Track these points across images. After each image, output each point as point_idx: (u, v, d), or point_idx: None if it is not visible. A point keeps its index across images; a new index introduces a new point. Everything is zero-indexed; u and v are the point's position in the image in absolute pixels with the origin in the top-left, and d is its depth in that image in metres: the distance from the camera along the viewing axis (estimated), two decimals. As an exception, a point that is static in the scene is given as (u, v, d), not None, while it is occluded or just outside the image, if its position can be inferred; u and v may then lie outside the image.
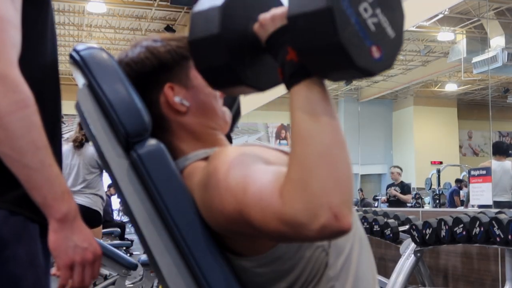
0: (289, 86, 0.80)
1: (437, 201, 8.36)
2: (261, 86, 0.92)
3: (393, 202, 7.08)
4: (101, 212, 4.13)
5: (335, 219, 0.70)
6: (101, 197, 4.11)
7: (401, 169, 7.53)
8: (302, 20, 0.75)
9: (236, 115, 1.32)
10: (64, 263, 0.95)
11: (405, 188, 7.16)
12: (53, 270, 1.10)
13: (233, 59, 0.86)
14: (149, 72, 1.07)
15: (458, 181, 8.92)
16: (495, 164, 4.88)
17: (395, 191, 7.10)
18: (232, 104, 1.28)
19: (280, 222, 0.74)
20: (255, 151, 0.94)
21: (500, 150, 5.13)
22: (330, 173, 0.73)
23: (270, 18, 0.84)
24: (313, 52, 0.76)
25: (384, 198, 7.63)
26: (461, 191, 8.44)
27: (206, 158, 1.00)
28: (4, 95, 0.88)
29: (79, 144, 3.99)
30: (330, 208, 0.70)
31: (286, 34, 0.81)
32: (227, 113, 1.13)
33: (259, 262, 0.94)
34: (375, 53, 0.76)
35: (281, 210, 0.74)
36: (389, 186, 7.44)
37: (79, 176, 3.98)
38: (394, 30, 0.80)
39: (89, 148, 3.98)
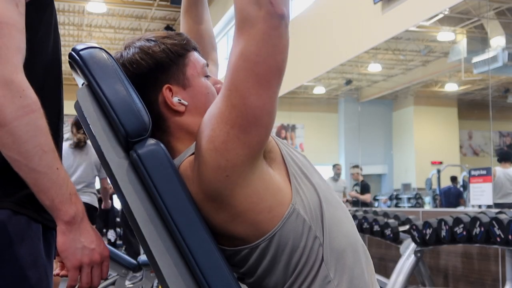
0: None
1: (437, 201, 8.33)
2: None
3: (355, 202, 7.25)
4: (98, 209, 4.25)
5: (271, 5, 0.90)
6: (97, 196, 4.22)
7: (360, 169, 7.72)
8: None
9: None
10: (72, 264, 0.95)
11: (364, 187, 7.24)
12: (57, 270, 1.10)
13: None
14: (146, 73, 1.07)
15: (453, 179, 8.74)
16: (500, 171, 5.28)
17: (354, 193, 7.24)
18: None
19: (237, 39, 0.92)
20: None
21: (506, 157, 5.57)
22: None
23: None
24: None
25: (349, 198, 7.79)
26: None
27: None
28: (11, 101, 0.88)
29: (84, 144, 4.05)
30: None
31: None
32: None
33: (259, 249, 0.96)
34: None
35: (235, 28, 0.93)
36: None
37: (83, 176, 4.03)
38: None
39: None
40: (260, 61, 0.90)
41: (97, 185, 4.49)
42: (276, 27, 0.90)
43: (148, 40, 1.10)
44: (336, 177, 7.65)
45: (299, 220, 0.96)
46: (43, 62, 1.05)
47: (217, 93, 1.12)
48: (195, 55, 1.12)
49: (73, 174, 3.99)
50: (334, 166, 7.75)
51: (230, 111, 0.91)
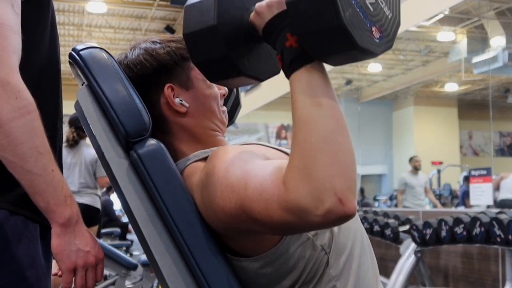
0: (289, 73, 0.79)
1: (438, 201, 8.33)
2: (259, 75, 0.91)
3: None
4: (100, 211, 4.19)
5: (340, 204, 0.70)
6: (99, 196, 4.17)
7: None
8: (303, 4, 0.75)
9: (236, 106, 1.32)
10: (67, 267, 0.95)
11: None
12: (55, 270, 1.10)
13: (230, 50, 0.86)
14: (149, 74, 1.07)
15: (466, 178, 8.63)
16: None
17: None
18: (230, 95, 1.28)
19: (284, 211, 0.74)
20: (254, 148, 0.94)
21: None
22: (334, 158, 0.72)
23: (267, 6, 0.84)
24: (315, 36, 0.76)
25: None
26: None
27: (205, 158, 1.00)
28: (6, 102, 0.88)
29: (73, 143, 3.99)
30: (335, 193, 0.70)
31: (284, 20, 0.81)
32: (226, 115, 1.14)
33: (260, 263, 0.95)
34: (376, 33, 0.77)
35: (285, 198, 0.73)
36: None
37: (81, 176, 4.00)
38: (391, 10, 0.81)
39: (90, 149, 4.00)
40: (301, 231, 0.81)
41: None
42: (336, 223, 0.74)
43: (153, 42, 1.10)
44: (415, 171, 6.64)
45: (302, 234, 0.95)
46: (39, 62, 1.05)
47: (220, 97, 1.12)
48: None
49: (70, 175, 3.95)
50: (412, 158, 6.80)
51: (251, 213, 0.81)
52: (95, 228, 4.16)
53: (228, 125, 1.19)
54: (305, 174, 0.72)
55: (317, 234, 0.95)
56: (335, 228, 0.97)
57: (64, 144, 4.03)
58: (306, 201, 0.71)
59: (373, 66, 10.04)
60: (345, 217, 0.71)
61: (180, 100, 1.07)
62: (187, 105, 1.07)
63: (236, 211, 0.83)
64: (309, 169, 0.72)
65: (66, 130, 4.04)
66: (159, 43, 1.09)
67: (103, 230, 6.37)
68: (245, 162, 0.86)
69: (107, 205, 7.27)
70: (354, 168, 0.74)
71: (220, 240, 0.97)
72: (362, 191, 10.00)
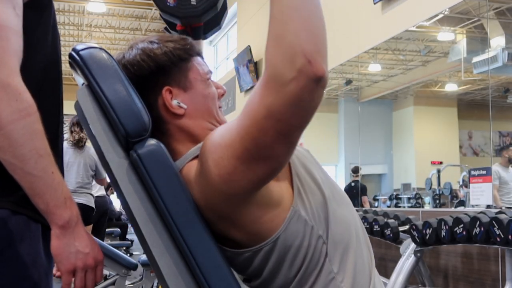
0: None
1: (437, 201, 8.33)
2: None
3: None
4: (94, 210, 4.29)
5: (309, 64, 0.77)
6: (93, 196, 4.27)
7: None
8: None
9: (223, 10, 1.39)
10: (66, 268, 0.96)
11: None
12: (55, 270, 1.10)
13: None
14: (146, 75, 1.07)
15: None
16: None
17: None
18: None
19: (265, 92, 0.80)
20: None
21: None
22: (304, 24, 0.78)
23: None
24: None
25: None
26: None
27: None
28: (7, 104, 0.88)
29: (83, 145, 4.07)
30: (304, 55, 0.77)
31: None
32: (223, 115, 1.15)
33: (262, 251, 0.96)
34: None
35: (265, 76, 0.80)
36: None
37: (78, 176, 4.04)
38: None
39: (91, 150, 4.05)
40: (283, 119, 0.81)
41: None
42: (311, 90, 0.78)
43: (151, 42, 1.09)
44: (507, 165, 5.60)
45: (301, 221, 0.96)
46: (41, 63, 1.05)
47: (218, 98, 1.12)
48: (198, 60, 1.11)
49: (67, 175, 3.99)
50: (506, 148, 6.08)
51: (243, 150, 0.85)
52: (90, 227, 4.25)
53: (214, 32, 1.24)
54: (277, 42, 0.79)
55: (314, 222, 0.97)
56: (330, 219, 0.98)
57: (70, 144, 4.08)
58: (280, 66, 0.78)
59: (373, 66, 10.04)
60: (316, 80, 0.77)
61: (178, 102, 1.06)
62: (185, 106, 1.07)
63: (230, 164, 0.86)
64: (281, 36, 0.78)
65: (76, 131, 4.12)
66: (156, 43, 1.09)
67: (108, 230, 6.38)
68: (228, 124, 0.92)
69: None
70: (324, 34, 0.80)
71: (224, 235, 0.98)
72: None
